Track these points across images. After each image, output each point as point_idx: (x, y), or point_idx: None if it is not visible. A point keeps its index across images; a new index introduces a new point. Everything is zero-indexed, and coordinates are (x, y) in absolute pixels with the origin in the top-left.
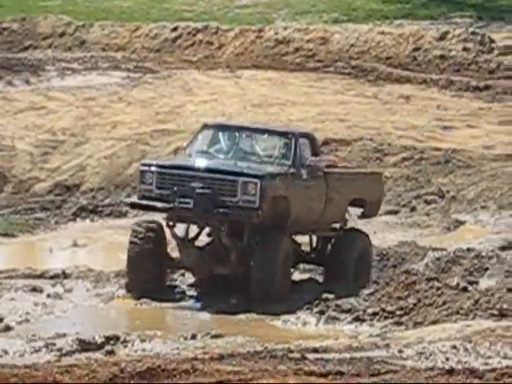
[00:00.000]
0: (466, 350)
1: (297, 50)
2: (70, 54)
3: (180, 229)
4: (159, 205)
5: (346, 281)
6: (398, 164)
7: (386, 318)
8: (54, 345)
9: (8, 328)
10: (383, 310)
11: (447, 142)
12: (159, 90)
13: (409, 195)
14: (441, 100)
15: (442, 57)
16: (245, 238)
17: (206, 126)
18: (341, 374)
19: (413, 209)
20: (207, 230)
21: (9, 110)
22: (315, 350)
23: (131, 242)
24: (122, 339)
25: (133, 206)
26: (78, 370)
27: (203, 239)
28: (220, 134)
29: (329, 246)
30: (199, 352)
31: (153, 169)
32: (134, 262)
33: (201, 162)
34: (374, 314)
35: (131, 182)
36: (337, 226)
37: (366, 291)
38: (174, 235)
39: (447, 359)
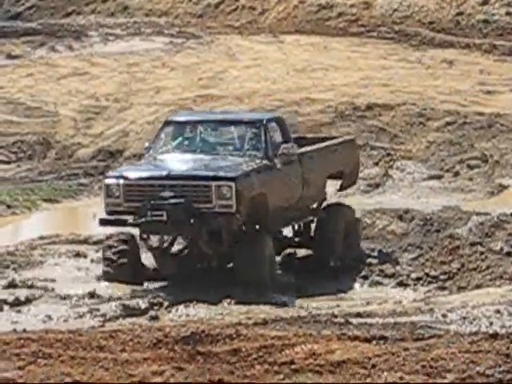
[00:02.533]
0: (510, 314)
1: (340, 14)
2: (112, 20)
3: (154, 239)
4: (130, 220)
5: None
6: (441, 129)
7: (429, 282)
8: (98, 310)
9: (52, 293)
10: (427, 274)
11: (490, 106)
12: (202, 55)
13: (452, 160)
14: (484, 64)
15: (485, 21)
16: (224, 243)
17: (167, 123)
18: (384, 338)
19: (456, 173)
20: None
21: (52, 76)
22: (359, 315)
23: (105, 258)
24: (166, 305)
25: (102, 222)
26: (122, 335)
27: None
28: (183, 129)
29: (312, 227)
30: (243, 317)
31: (119, 182)
32: (110, 277)
33: (169, 167)
34: (418, 278)
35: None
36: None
37: (410, 256)
38: (149, 247)
39: (491, 324)
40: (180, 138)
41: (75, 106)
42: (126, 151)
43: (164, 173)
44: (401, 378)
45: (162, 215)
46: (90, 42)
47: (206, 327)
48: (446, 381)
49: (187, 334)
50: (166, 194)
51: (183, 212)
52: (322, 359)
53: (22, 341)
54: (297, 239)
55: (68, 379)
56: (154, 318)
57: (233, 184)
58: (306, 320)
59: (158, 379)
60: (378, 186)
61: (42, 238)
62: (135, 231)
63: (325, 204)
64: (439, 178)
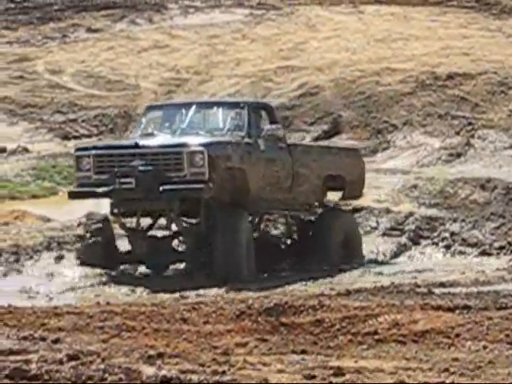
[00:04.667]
0: None
1: None
2: None
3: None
4: (99, 189)
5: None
6: None
7: None
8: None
9: (135, 266)
10: (510, 243)
11: None
12: (282, 26)
13: None
14: None
15: None
16: (201, 221)
17: (149, 108)
18: (468, 308)
19: None
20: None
21: (132, 49)
22: (442, 285)
23: (79, 236)
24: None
25: (71, 195)
26: (205, 308)
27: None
28: (166, 113)
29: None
30: (326, 288)
31: (89, 153)
32: (83, 255)
33: (142, 141)
34: (501, 247)
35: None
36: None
37: (493, 225)
38: (123, 225)
39: None
40: (161, 122)
41: (156, 79)
42: None
43: (134, 142)
44: (484, 347)
45: (130, 182)
46: (170, 14)
47: (288, 298)
48: None
49: (270, 305)
50: (136, 162)
51: (153, 179)
52: (405, 329)
53: (106, 314)
54: (293, 247)
55: (152, 351)
56: (237, 290)
57: (205, 150)
58: (389, 290)
59: (242, 351)
60: (459, 155)
61: None
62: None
63: (322, 209)
64: None
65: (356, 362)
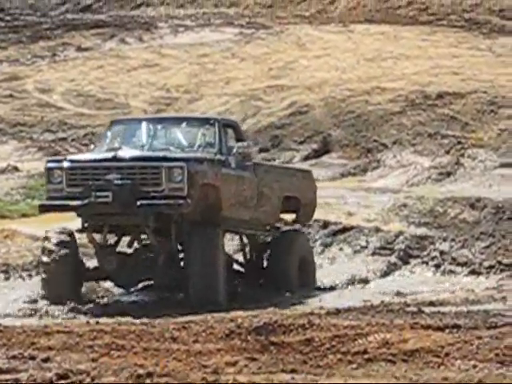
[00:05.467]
0: None
1: (410, 3)
2: (182, 11)
3: (97, 236)
4: (73, 203)
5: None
6: None
7: (502, 270)
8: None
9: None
10: (499, 262)
11: None
12: (272, 45)
13: None
14: None
15: None
16: (172, 238)
17: (114, 122)
18: (457, 327)
19: None
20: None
21: (122, 68)
22: (432, 304)
23: (45, 249)
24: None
25: (42, 208)
26: (195, 327)
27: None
28: (132, 128)
29: (265, 257)
30: (315, 307)
31: (62, 165)
32: (50, 269)
33: (116, 153)
34: (491, 267)
35: (246, 138)
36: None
37: (482, 244)
38: (92, 239)
39: None
40: (127, 137)
41: (146, 98)
42: None
43: (110, 155)
44: (474, 366)
45: (107, 196)
46: (159, 33)
47: (278, 317)
48: None
49: (260, 324)
50: (112, 176)
51: (130, 193)
52: (395, 348)
53: (95, 333)
54: (249, 269)
55: (141, 370)
56: (227, 309)
57: (184, 165)
58: (379, 309)
59: (231, 370)
60: (449, 174)
61: None
62: (75, 227)
63: (278, 232)
64: (511, 165)
65: (346, 380)
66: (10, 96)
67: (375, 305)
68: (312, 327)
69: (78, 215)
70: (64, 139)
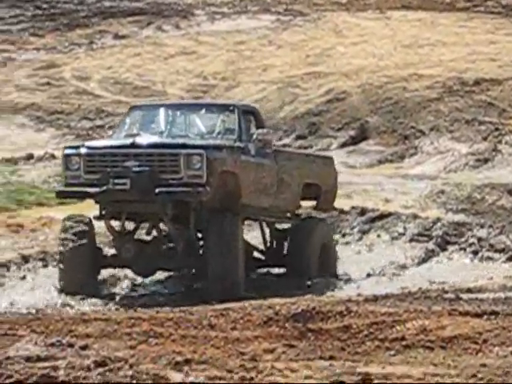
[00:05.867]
0: None
1: None
2: None
3: (115, 223)
4: (91, 190)
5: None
6: None
7: None
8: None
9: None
10: None
11: None
12: (309, 32)
13: None
14: None
15: None
16: (191, 225)
17: (133, 108)
18: (495, 313)
19: None
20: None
21: (159, 56)
22: (469, 290)
23: (63, 239)
24: None
25: (59, 194)
26: (233, 314)
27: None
28: (151, 114)
29: (286, 244)
30: (353, 293)
31: (80, 151)
32: (68, 259)
33: (135, 140)
34: None
35: (282, 126)
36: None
37: None
38: (110, 227)
39: None
40: (146, 123)
41: (183, 85)
42: None
43: (128, 141)
44: None
45: (125, 183)
46: (196, 20)
47: (316, 304)
48: None
49: (298, 311)
50: (131, 163)
51: (148, 180)
52: (432, 335)
53: (133, 320)
54: (269, 257)
55: (179, 358)
56: (265, 296)
57: (203, 152)
58: (417, 296)
59: (269, 357)
60: (486, 160)
61: None
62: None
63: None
64: None
65: (384, 367)
66: (48, 84)
67: (413, 291)
68: (350, 314)
69: (96, 202)
70: (101, 127)
